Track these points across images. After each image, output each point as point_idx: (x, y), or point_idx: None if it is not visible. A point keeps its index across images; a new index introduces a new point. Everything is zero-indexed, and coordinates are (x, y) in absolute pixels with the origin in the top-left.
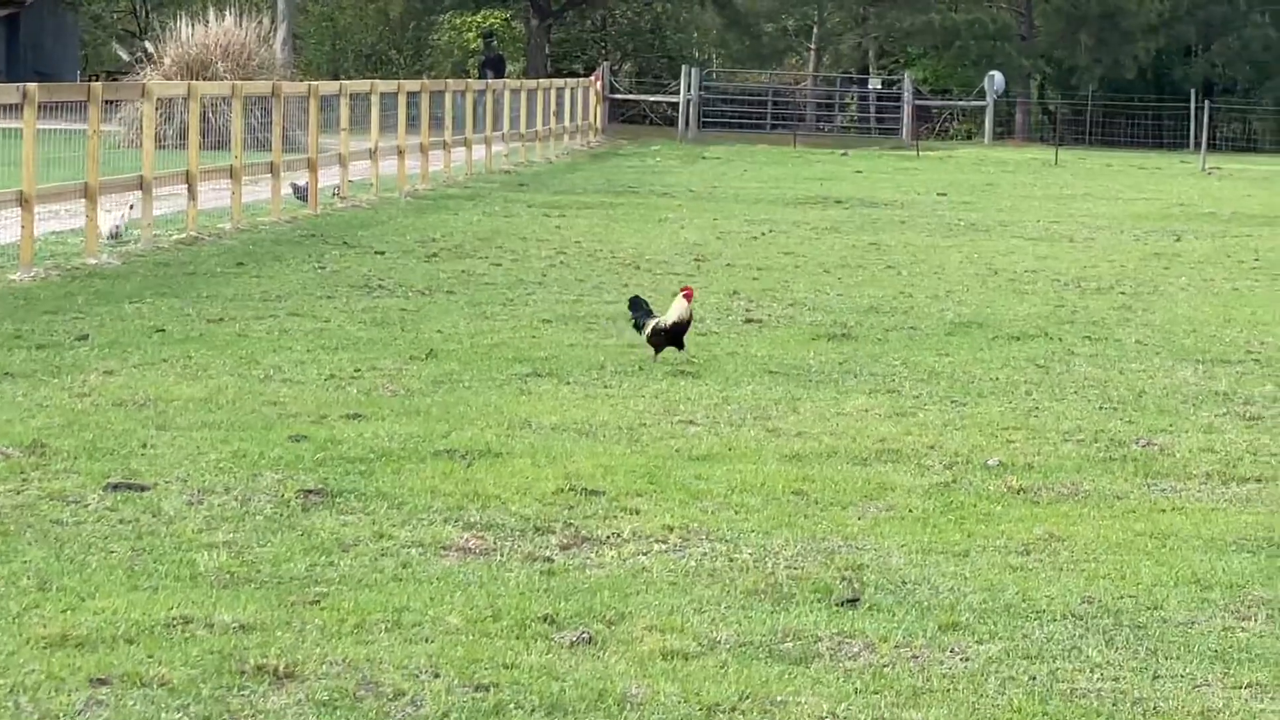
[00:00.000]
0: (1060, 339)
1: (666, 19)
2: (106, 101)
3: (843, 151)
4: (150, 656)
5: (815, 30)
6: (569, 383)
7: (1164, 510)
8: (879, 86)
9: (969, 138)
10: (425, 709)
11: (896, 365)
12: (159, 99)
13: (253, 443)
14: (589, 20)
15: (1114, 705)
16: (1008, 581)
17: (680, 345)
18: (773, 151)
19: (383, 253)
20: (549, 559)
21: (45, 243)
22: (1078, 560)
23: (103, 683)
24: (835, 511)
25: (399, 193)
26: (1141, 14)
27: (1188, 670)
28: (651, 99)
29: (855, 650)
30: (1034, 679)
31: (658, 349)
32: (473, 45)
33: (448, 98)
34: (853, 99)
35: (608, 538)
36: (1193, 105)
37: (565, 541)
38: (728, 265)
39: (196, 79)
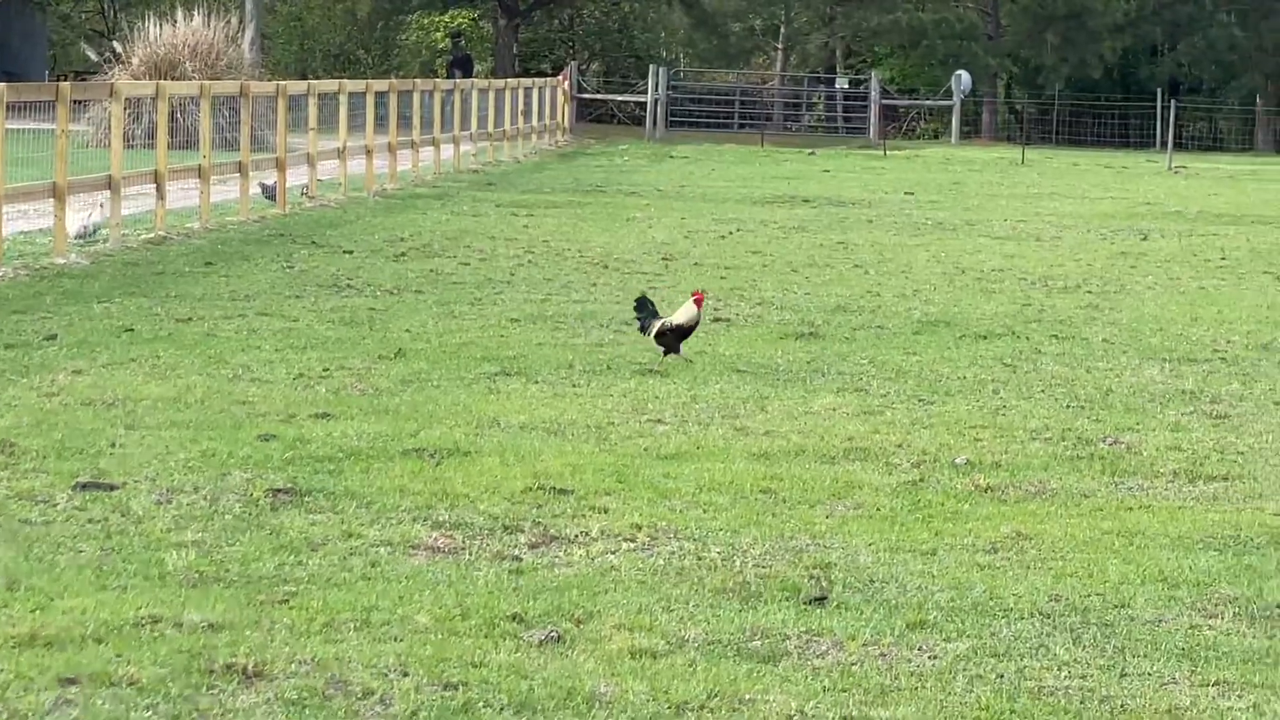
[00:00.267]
0: (1027, 338)
1: (634, 18)
2: (74, 101)
3: (810, 151)
4: (119, 656)
5: (782, 30)
6: (537, 382)
7: (1131, 508)
8: (846, 86)
9: (936, 137)
10: (394, 708)
11: (864, 364)
12: (127, 99)
13: (221, 442)
14: (556, 20)
15: (1081, 703)
16: (975, 580)
17: (677, 350)
18: (740, 151)
19: (351, 252)
20: (517, 558)
21: (13, 243)
22: (1045, 558)
23: (71, 682)
24: (803, 510)
25: (367, 192)
26: (1108, 13)
27: (1155, 668)
28: (619, 98)
29: (823, 648)
30: (1002, 677)
31: (666, 349)
32: (440, 45)
33: (416, 97)
34: (820, 98)
35: (576, 536)
36: (1159, 104)
37: (534, 540)
38: (695, 264)
39: (165, 79)
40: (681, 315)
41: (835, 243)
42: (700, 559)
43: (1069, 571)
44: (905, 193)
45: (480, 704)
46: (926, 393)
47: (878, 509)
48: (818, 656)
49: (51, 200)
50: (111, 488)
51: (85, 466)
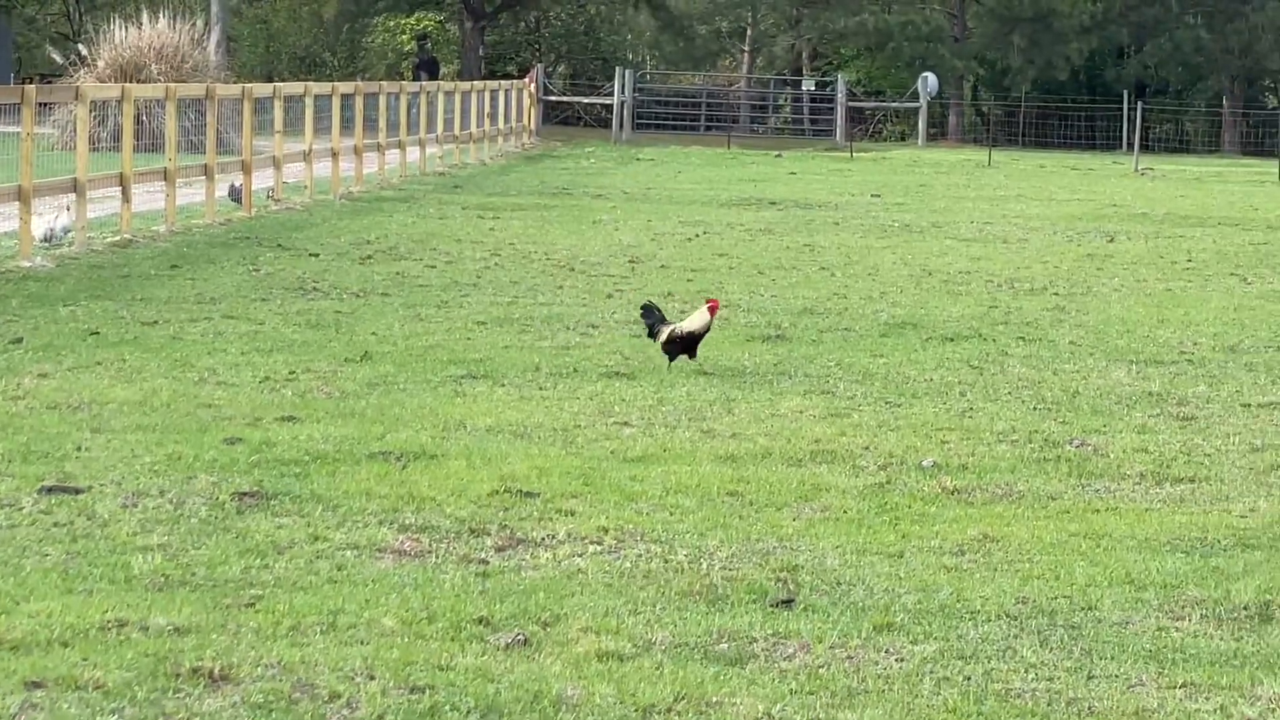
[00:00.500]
0: (994, 340)
1: (600, 21)
2: (40, 104)
3: (776, 153)
4: (85, 659)
5: (749, 32)
6: (504, 384)
7: (1098, 511)
8: (812, 88)
9: (902, 139)
10: (360, 711)
11: (831, 366)
12: (93, 101)
13: (187, 445)
14: (523, 22)
15: (1048, 705)
16: (942, 582)
17: (693, 354)
18: (707, 153)
19: (317, 255)
20: (484, 561)
21: None
22: (1012, 560)
23: (37, 686)
24: (770, 513)
25: (333, 195)
26: (1074, 15)
27: (1122, 670)
28: (585, 101)
29: (790, 651)
30: (969, 679)
31: (671, 356)
32: (406, 47)
33: (382, 100)
34: (786, 101)
35: (543, 539)
36: (1125, 106)
37: (500, 543)
38: (662, 267)
39: (130, 81)
40: (692, 323)
41: (802, 245)
42: (667, 562)
43: (1036, 574)
44: (872, 195)
45: (447, 707)
46: (893, 395)
47: (844, 511)
48: (785, 659)
49: (17, 203)
50: (77, 491)
51: (51, 470)
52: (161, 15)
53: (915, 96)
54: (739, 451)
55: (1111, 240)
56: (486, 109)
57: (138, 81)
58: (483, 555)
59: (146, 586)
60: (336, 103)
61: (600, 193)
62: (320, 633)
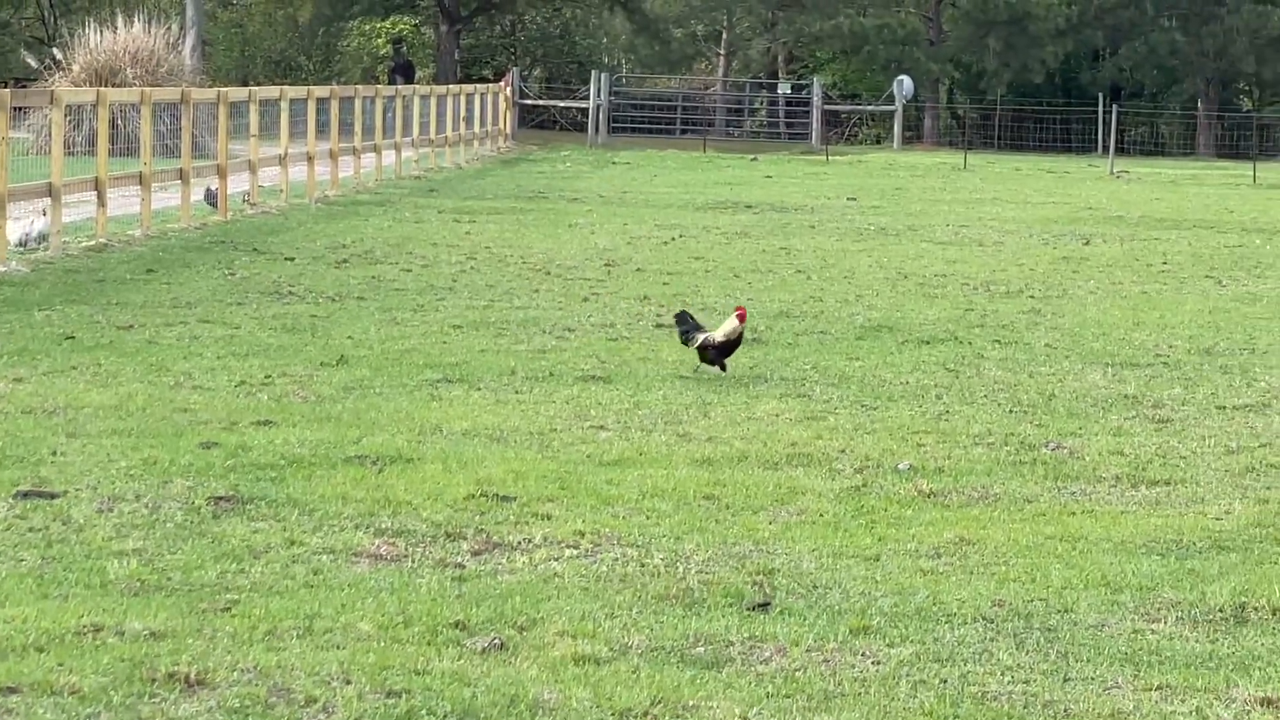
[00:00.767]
0: (970, 343)
1: (576, 25)
2: (15, 108)
3: (752, 156)
4: (61, 665)
5: (724, 35)
6: (480, 388)
7: (1074, 513)
8: (788, 91)
9: (878, 142)
10: (337, 715)
11: (807, 369)
12: (68, 106)
13: (163, 450)
14: (498, 26)
15: (1025, 708)
16: (918, 585)
17: (723, 365)
18: (682, 156)
19: (293, 259)
20: (460, 565)
21: None
22: (988, 563)
23: (13, 691)
24: (746, 516)
25: (309, 199)
26: (1049, 18)
27: (1098, 673)
28: (561, 104)
29: (767, 654)
30: (945, 682)
31: (707, 362)
32: (382, 51)
33: (357, 104)
34: (762, 104)
35: (519, 543)
36: (1100, 109)
37: (476, 547)
38: (638, 270)
39: (105, 85)
40: (722, 332)
41: (778, 248)
42: (643, 565)
43: (1012, 576)
44: (848, 198)
45: (423, 711)
46: (869, 398)
47: (821, 515)
48: (761, 663)
49: None
50: (52, 496)
51: (26, 475)
52: (136, 19)
53: (891, 100)
54: (715, 455)
55: (1087, 243)
56: (462, 113)
57: (113, 85)
58: (459, 559)
59: (122, 591)
60: (312, 107)
61: (576, 196)
62: (296, 637)
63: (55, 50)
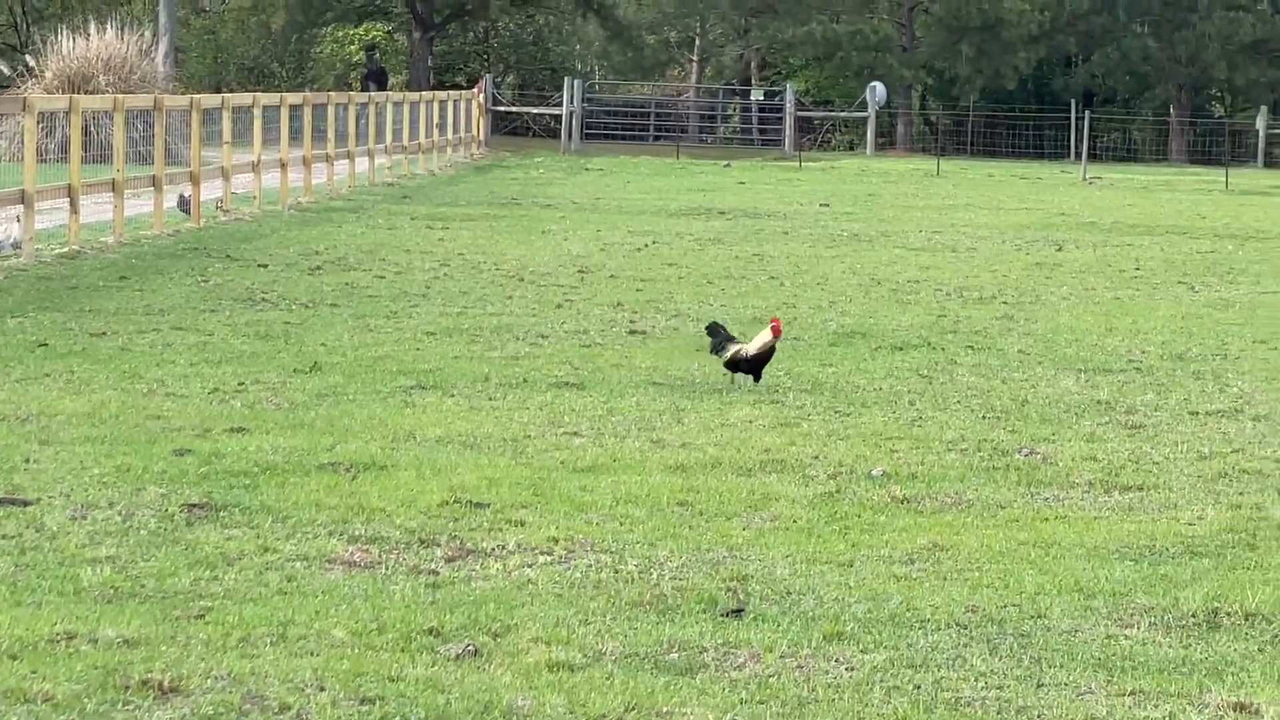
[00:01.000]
0: (943, 349)
1: (549, 31)
2: None
3: (725, 163)
4: (34, 672)
5: (697, 42)
6: (453, 395)
7: (1047, 519)
8: (761, 98)
9: (851, 149)
10: None
11: (780, 376)
12: (40, 112)
13: (136, 457)
14: (471, 33)
15: (998, 713)
16: (892, 591)
17: (758, 376)
18: (655, 163)
19: (266, 266)
20: (434, 571)
21: None
22: (961, 569)
23: None
24: (720, 522)
25: (282, 205)
26: (1022, 25)
27: (1071, 678)
28: (534, 111)
29: (741, 660)
30: (918, 688)
31: (733, 371)
32: (355, 58)
33: (330, 110)
34: (735, 110)
35: (493, 550)
36: (1073, 115)
37: (450, 554)
38: (611, 277)
39: (78, 92)
40: (756, 344)
41: (751, 254)
42: (617, 572)
43: (985, 582)
44: (821, 204)
45: (397, 718)
46: (843, 404)
47: (794, 521)
48: (735, 668)
49: None
50: (25, 503)
51: None
52: (109, 26)
53: (864, 106)
54: (689, 461)
55: (1060, 249)
56: (435, 119)
57: (85, 93)
58: (433, 566)
59: (96, 598)
60: (285, 113)
61: (549, 203)
62: (270, 644)
63: (28, 57)
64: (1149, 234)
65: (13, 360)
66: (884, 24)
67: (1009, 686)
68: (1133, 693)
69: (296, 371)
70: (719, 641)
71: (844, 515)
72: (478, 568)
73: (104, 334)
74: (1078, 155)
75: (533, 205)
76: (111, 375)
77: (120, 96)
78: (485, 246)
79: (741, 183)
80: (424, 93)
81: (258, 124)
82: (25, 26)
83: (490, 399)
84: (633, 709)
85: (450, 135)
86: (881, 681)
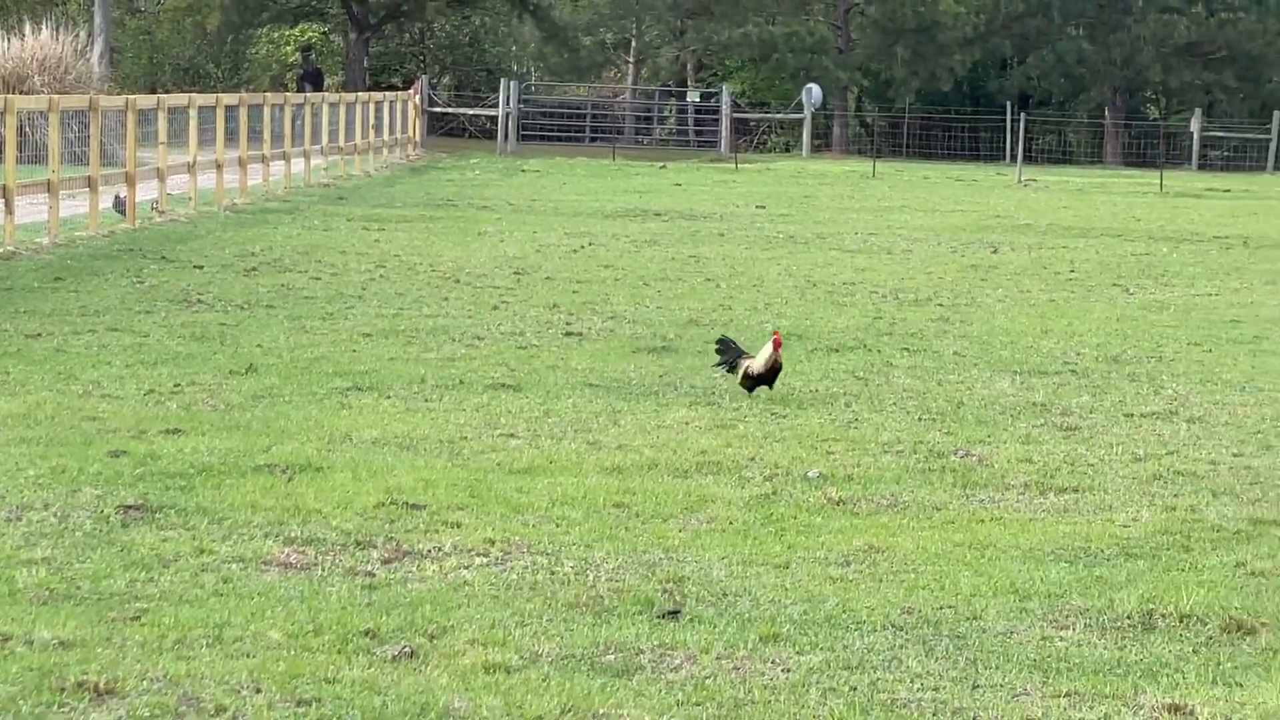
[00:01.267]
0: (879, 351)
1: (485, 32)
2: None
3: (661, 164)
4: None
5: (633, 43)
6: (389, 397)
7: (982, 521)
8: (697, 99)
9: (787, 150)
10: None
11: (716, 378)
12: None
13: (72, 458)
14: (407, 34)
15: (934, 715)
16: (828, 592)
17: (770, 385)
18: (592, 164)
19: (201, 267)
20: (370, 573)
21: None
22: (897, 571)
23: None
24: (656, 524)
25: (218, 207)
26: (957, 27)
27: (1007, 679)
28: (470, 112)
29: (677, 662)
30: (855, 689)
31: (749, 390)
32: (291, 59)
33: (266, 111)
34: (671, 112)
35: (429, 551)
36: (1008, 117)
37: (386, 556)
38: (547, 278)
39: (12, 93)
40: (760, 362)
41: (687, 256)
42: (553, 573)
43: (921, 584)
44: (757, 206)
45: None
46: (779, 406)
47: (730, 522)
48: (671, 670)
49: None
50: None
51: None
52: (44, 27)
53: (800, 108)
54: (625, 463)
55: (995, 251)
56: (371, 120)
57: (20, 93)
58: (369, 568)
59: (31, 600)
60: (221, 114)
61: (485, 204)
62: (206, 646)
63: None
64: (1084, 236)
65: None
66: (819, 26)
67: (945, 688)
68: (1068, 694)
69: (232, 373)
70: (655, 643)
71: (780, 517)
72: (414, 569)
73: (39, 335)
74: (1013, 157)
75: (469, 206)
76: (47, 376)
77: (55, 97)
78: (421, 248)
79: (678, 184)
80: (360, 94)
81: (193, 125)
82: None
83: (426, 401)
84: (569, 711)
85: (386, 136)
86: (817, 683)
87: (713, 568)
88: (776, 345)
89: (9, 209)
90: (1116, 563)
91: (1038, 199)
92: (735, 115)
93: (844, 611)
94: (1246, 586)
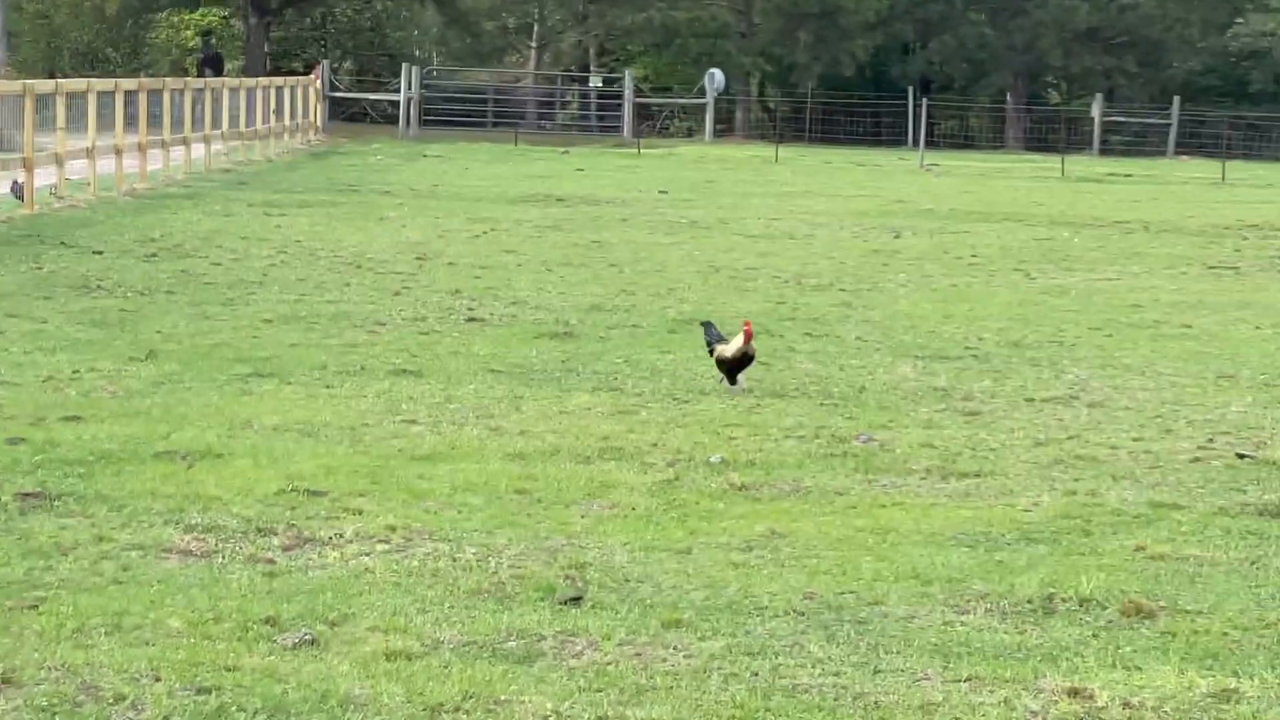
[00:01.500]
0: (781, 336)
1: (387, 17)
2: None
3: (564, 149)
4: None
5: (536, 28)
6: (291, 383)
7: (884, 506)
8: (600, 84)
9: (690, 135)
10: (146, 713)
11: (619, 363)
12: None
13: None
14: (308, 18)
15: (835, 700)
16: (730, 578)
17: (733, 380)
18: (494, 149)
19: (101, 253)
20: (271, 560)
21: None
22: (799, 556)
23: None
24: (559, 510)
25: (117, 192)
26: (859, 12)
27: (908, 664)
28: (372, 97)
29: (579, 648)
30: (756, 675)
31: (723, 373)
32: (191, 43)
33: (166, 96)
34: (574, 97)
35: (330, 538)
36: (911, 102)
37: (287, 543)
38: (450, 264)
39: None
40: (732, 348)
41: (590, 241)
42: (455, 560)
43: (823, 569)
44: (659, 191)
45: (234, 708)
46: (681, 392)
47: (633, 508)
48: (573, 656)
49: None
50: None
51: None
52: None
53: (702, 93)
54: (527, 449)
55: (898, 236)
56: (272, 105)
57: None
58: (270, 555)
59: None
60: (120, 99)
61: (387, 189)
62: (105, 634)
63: None
64: (986, 221)
65: None
66: (722, 11)
67: (846, 673)
68: (969, 679)
69: (132, 359)
70: (557, 629)
71: (682, 503)
72: (315, 556)
73: None
74: (915, 142)
75: (370, 192)
76: None
77: None
78: (323, 233)
79: (580, 169)
80: (261, 79)
81: (92, 110)
82: None
83: (328, 387)
84: (470, 697)
85: (287, 121)
86: (719, 669)
87: (615, 553)
88: (748, 336)
89: None
90: (1017, 547)
91: (940, 184)
92: (638, 100)
93: (746, 597)
94: (1146, 570)
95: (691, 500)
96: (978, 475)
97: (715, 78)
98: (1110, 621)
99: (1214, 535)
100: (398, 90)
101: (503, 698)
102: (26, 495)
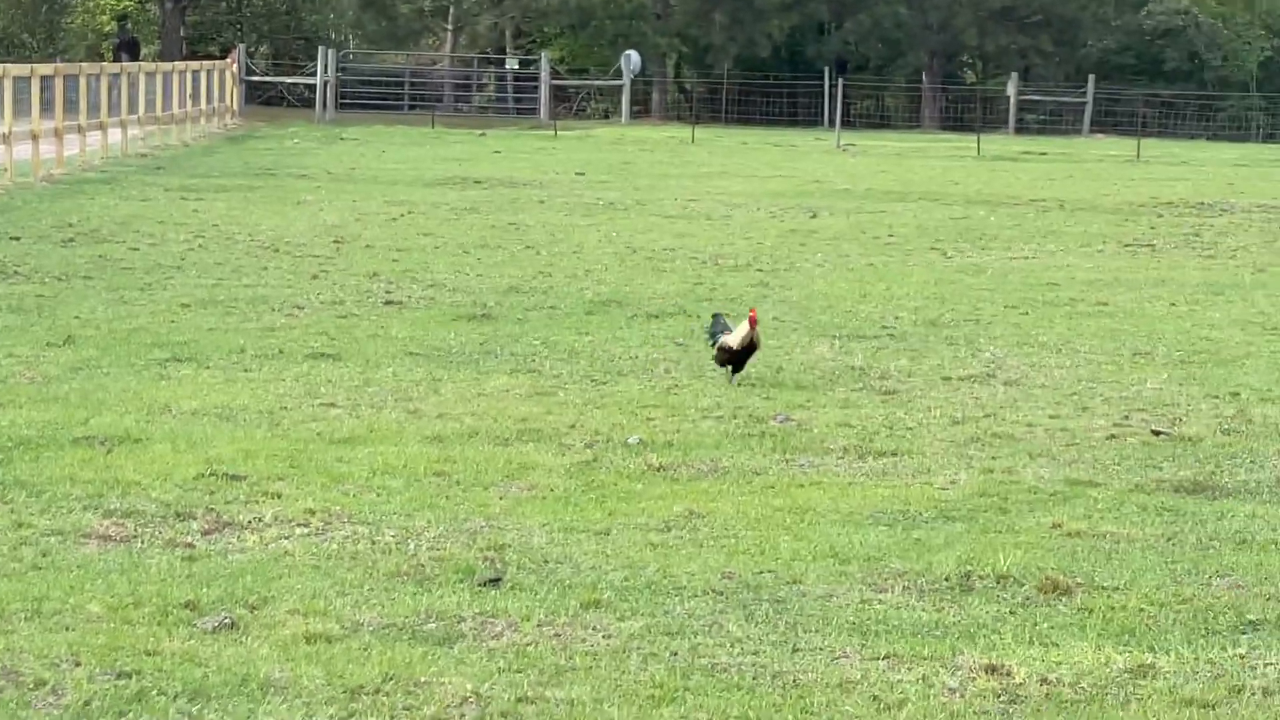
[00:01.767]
0: (698, 316)
1: (302, 1)
2: None
3: (481, 132)
4: None
5: (451, 10)
6: (209, 367)
7: (802, 485)
8: (516, 67)
9: (606, 117)
10: (66, 698)
11: (536, 345)
12: None
13: None
14: (224, 2)
15: (754, 679)
16: (649, 559)
17: (740, 368)
18: (411, 132)
19: (18, 238)
20: (190, 545)
21: None
22: (717, 536)
23: None
24: (477, 492)
25: (34, 177)
26: None
27: (826, 643)
28: (288, 81)
29: (498, 629)
30: (675, 654)
31: (721, 365)
32: (107, 28)
33: (82, 81)
34: (490, 79)
35: (249, 522)
36: (827, 83)
37: (206, 527)
38: (367, 247)
39: None
40: (735, 337)
41: (507, 224)
42: (374, 543)
43: (741, 549)
44: (576, 173)
45: (154, 692)
46: (599, 373)
47: (551, 490)
48: (493, 638)
49: None
50: None
51: None
52: None
53: (619, 74)
54: (445, 431)
55: (814, 216)
56: (188, 90)
57: None
58: (189, 539)
59: None
60: (36, 84)
61: (304, 173)
62: (24, 619)
63: None
64: (902, 200)
65: None
66: None
67: (765, 652)
68: (887, 656)
69: (50, 345)
70: (476, 611)
71: (601, 484)
72: (234, 540)
73: None
74: (831, 122)
75: (287, 176)
76: None
77: None
78: (240, 217)
79: (497, 152)
80: (177, 63)
81: (8, 95)
82: None
83: (246, 371)
84: (391, 679)
85: (204, 106)
86: (638, 649)
87: (533, 535)
88: (753, 324)
89: None
90: (935, 525)
91: (856, 164)
92: (554, 82)
93: (664, 577)
94: (1062, 547)
95: (610, 481)
96: (895, 454)
97: (631, 59)
98: (1027, 599)
99: (1130, 512)
100: (314, 74)
101: (423, 679)
102: None
